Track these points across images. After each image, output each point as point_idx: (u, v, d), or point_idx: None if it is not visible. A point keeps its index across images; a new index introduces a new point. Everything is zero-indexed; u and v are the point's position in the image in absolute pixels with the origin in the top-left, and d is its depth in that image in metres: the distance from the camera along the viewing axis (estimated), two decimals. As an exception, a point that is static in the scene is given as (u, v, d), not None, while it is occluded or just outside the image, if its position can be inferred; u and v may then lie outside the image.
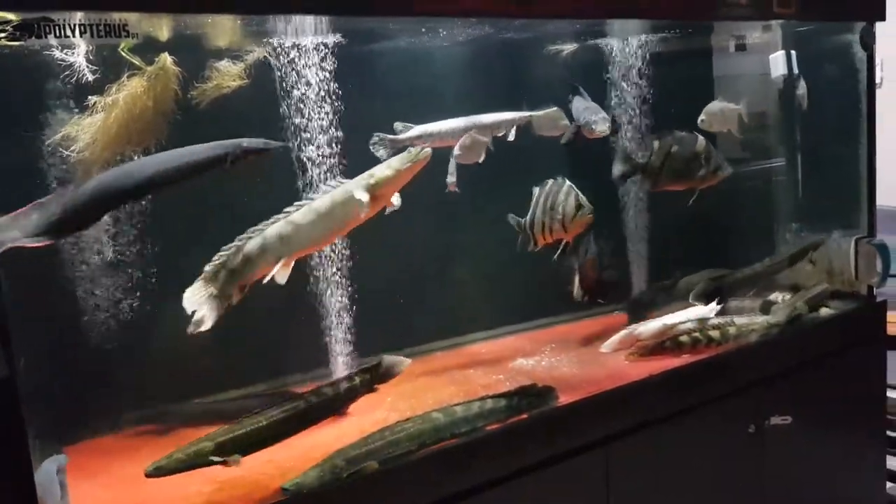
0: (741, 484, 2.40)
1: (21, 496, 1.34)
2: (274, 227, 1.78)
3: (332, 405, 1.90)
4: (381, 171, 1.78)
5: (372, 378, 1.96)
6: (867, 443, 2.81)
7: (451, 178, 2.19)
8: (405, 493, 1.73)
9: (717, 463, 2.33)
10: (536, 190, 2.29)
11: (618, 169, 2.47)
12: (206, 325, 1.75)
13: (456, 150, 2.21)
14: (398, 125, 2.24)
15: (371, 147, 2.20)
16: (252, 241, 1.78)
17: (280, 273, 1.75)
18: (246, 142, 1.71)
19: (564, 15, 1.91)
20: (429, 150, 1.82)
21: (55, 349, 1.90)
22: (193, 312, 1.75)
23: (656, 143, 2.46)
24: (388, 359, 1.98)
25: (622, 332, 2.41)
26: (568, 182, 2.25)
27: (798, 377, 2.53)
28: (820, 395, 2.60)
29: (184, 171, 1.67)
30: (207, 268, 1.78)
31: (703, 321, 2.42)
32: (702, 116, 2.52)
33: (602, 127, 2.28)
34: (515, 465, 1.89)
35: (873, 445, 2.82)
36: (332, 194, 1.78)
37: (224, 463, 1.69)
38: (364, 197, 1.73)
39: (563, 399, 2.05)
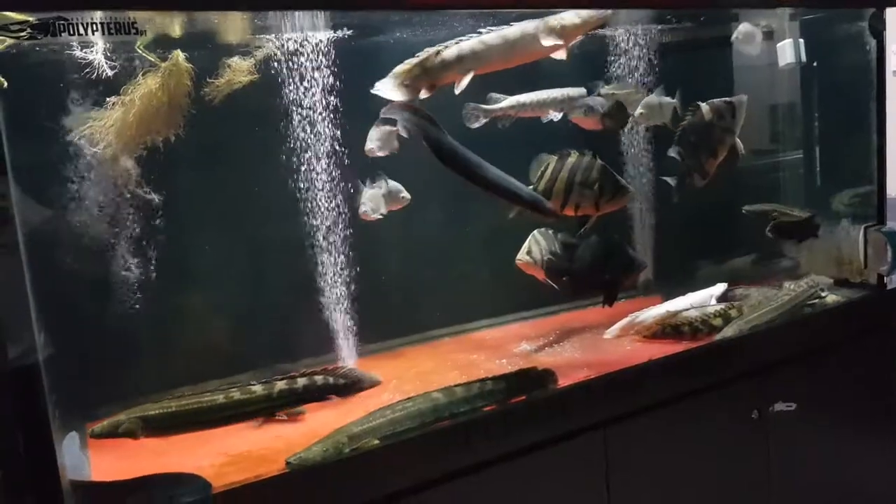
0: (744, 470, 2.42)
1: (46, 473, 1.43)
2: (469, 43, 1.94)
3: (260, 405, 1.89)
4: (569, 18, 1.95)
5: (328, 387, 1.93)
6: (877, 431, 2.79)
7: (364, 208, 2.22)
8: (404, 469, 1.80)
9: (718, 448, 2.35)
10: (552, 159, 2.25)
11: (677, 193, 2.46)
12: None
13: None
14: (492, 95, 2.31)
15: (464, 116, 2.26)
16: (450, 49, 1.94)
17: (461, 84, 1.94)
18: (546, 203, 2.10)
19: (557, 5, 1.95)
20: (609, 10, 2.00)
21: (78, 330, 2.01)
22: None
23: (679, 149, 2.39)
24: (359, 373, 1.98)
25: (625, 320, 2.45)
26: (600, 160, 2.24)
27: (805, 364, 2.53)
28: (828, 383, 2.60)
29: (499, 190, 2.02)
30: (402, 66, 1.94)
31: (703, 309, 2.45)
32: (640, 109, 2.49)
33: (577, 113, 2.24)
34: (513, 445, 1.95)
35: (884, 434, 2.81)
36: (522, 25, 1.95)
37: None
38: (547, 33, 1.92)
39: (563, 382, 2.10)
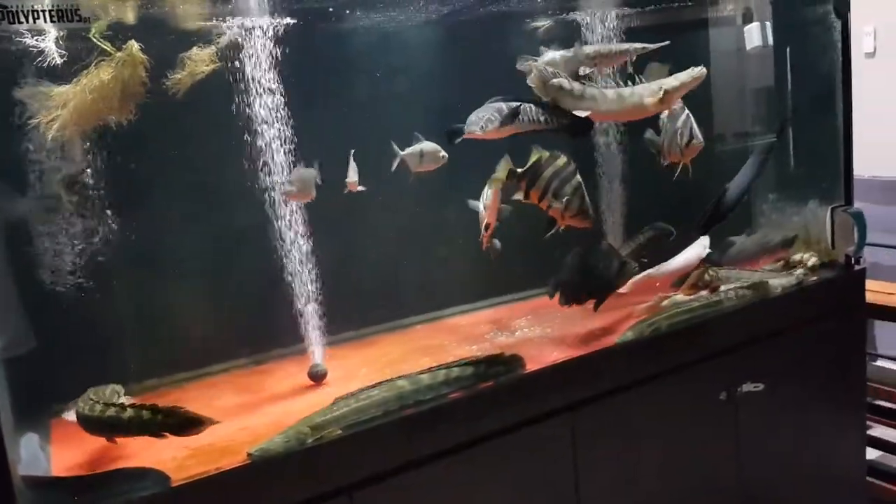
0: (713, 451, 2.44)
1: None
2: (592, 89, 2.23)
3: (91, 425, 1.74)
4: (668, 83, 2.23)
5: (162, 423, 1.71)
6: (846, 411, 2.82)
7: (354, 177, 2.21)
8: (368, 459, 1.79)
9: (687, 429, 2.37)
10: (545, 154, 2.27)
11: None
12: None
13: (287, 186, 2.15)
14: (542, 49, 2.38)
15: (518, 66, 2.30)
16: (578, 85, 2.22)
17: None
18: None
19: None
20: (703, 69, 2.26)
21: (44, 324, 1.99)
22: None
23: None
24: (185, 415, 1.74)
25: (638, 276, 2.52)
26: (579, 177, 2.28)
27: (773, 345, 2.55)
28: (796, 363, 2.63)
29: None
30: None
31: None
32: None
33: (473, 129, 2.11)
34: (480, 430, 1.95)
35: (853, 414, 2.84)
36: (634, 88, 2.25)
37: None
38: (652, 101, 2.23)
39: (530, 366, 2.10)
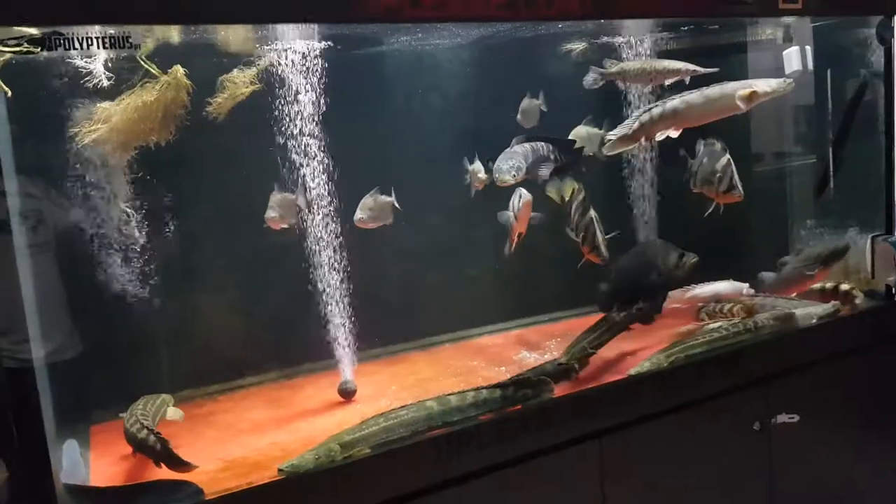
0: (745, 483, 2.39)
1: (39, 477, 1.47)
2: (672, 102, 2.24)
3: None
4: (760, 85, 2.21)
5: (157, 454, 1.74)
6: (886, 446, 2.74)
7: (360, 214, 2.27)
8: (396, 478, 1.81)
9: (719, 460, 2.32)
10: (577, 186, 2.38)
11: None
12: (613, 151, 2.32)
13: (359, 213, 2.27)
14: (606, 61, 2.45)
15: (586, 80, 2.44)
16: (656, 108, 2.26)
17: (671, 132, 2.26)
18: None
19: (554, 17, 1.95)
20: (792, 82, 2.25)
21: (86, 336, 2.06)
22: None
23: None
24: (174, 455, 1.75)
25: (677, 292, 2.58)
26: (594, 214, 2.36)
27: (810, 375, 2.50)
28: (834, 395, 2.57)
29: None
30: (628, 122, 2.29)
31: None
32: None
33: (506, 177, 2.27)
34: (507, 454, 1.94)
35: (890, 448, 2.76)
36: (721, 87, 2.22)
37: None
38: (743, 95, 2.18)
39: (558, 391, 2.09)
